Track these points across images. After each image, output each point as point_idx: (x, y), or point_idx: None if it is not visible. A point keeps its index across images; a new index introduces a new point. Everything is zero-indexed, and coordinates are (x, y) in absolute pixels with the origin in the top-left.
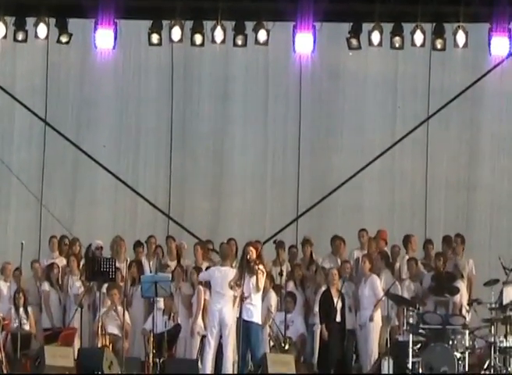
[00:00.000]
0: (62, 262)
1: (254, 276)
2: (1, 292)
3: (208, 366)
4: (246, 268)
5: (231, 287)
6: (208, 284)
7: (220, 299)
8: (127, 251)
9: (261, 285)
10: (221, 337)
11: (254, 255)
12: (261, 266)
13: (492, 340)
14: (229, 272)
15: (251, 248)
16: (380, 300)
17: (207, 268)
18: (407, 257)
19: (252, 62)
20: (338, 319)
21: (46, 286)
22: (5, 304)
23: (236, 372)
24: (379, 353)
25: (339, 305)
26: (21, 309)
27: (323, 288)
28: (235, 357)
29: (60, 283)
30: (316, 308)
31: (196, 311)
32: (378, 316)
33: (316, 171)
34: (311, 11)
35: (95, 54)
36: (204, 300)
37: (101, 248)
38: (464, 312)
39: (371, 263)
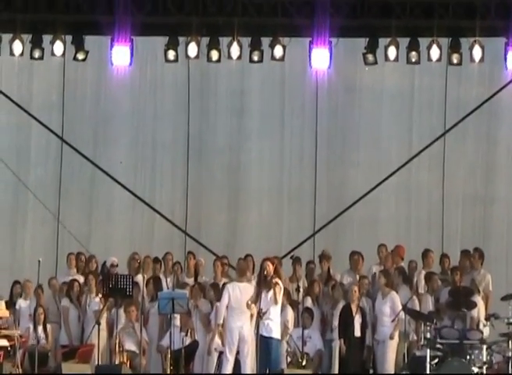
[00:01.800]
0: (79, 279)
1: (272, 291)
2: (20, 310)
3: None
4: (263, 283)
5: (248, 306)
6: None
7: (240, 316)
8: (144, 267)
9: (279, 298)
10: (238, 353)
11: (272, 270)
12: (278, 280)
13: (510, 354)
14: (247, 288)
15: (268, 263)
16: (399, 317)
17: (223, 284)
18: (423, 272)
19: (268, 77)
20: (357, 334)
21: (66, 302)
22: (24, 321)
23: None
24: (395, 369)
25: (358, 321)
26: (40, 327)
27: (341, 304)
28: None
29: (78, 300)
30: (335, 323)
31: (214, 328)
32: (397, 332)
33: (333, 185)
34: (327, 26)
35: (112, 71)
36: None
37: (117, 265)
38: (481, 326)
39: (386, 279)
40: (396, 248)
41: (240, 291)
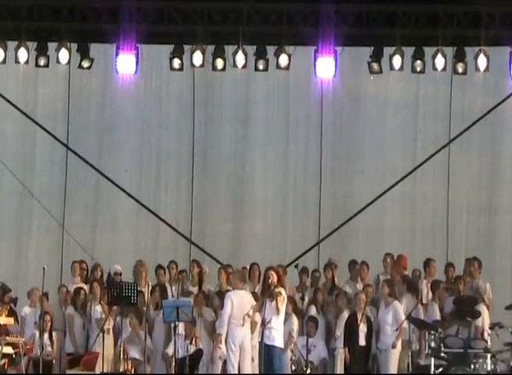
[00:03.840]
0: (83, 287)
1: (274, 300)
2: (26, 317)
3: None
4: (266, 292)
5: (248, 316)
6: None
7: (240, 324)
8: (149, 276)
9: (281, 308)
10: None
11: (275, 279)
12: (281, 289)
13: None
14: (248, 295)
15: (272, 272)
16: (402, 326)
17: (226, 291)
18: (425, 281)
19: (273, 85)
20: (362, 343)
21: (71, 310)
22: (29, 329)
23: None
24: None
25: (363, 330)
26: (46, 334)
27: (345, 313)
28: None
29: (83, 308)
30: (338, 332)
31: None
32: (398, 341)
33: (337, 194)
34: (332, 35)
35: (117, 79)
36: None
37: (120, 273)
38: (485, 335)
39: (389, 288)
40: (398, 257)
41: (242, 299)
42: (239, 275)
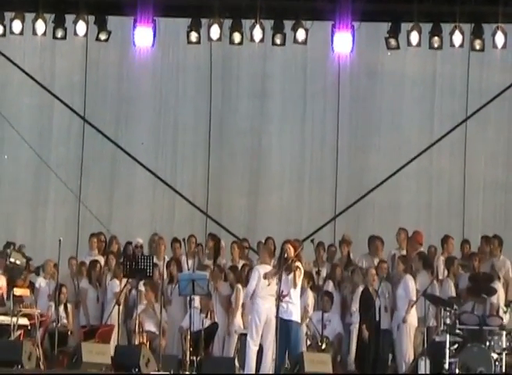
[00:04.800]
0: (100, 260)
1: (292, 274)
2: (40, 288)
3: (253, 364)
4: (283, 266)
5: (265, 278)
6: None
7: (268, 299)
8: (165, 249)
9: (299, 282)
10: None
11: (292, 253)
12: (298, 263)
13: None
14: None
15: (289, 246)
16: (415, 301)
17: (243, 265)
18: (442, 258)
19: (290, 60)
20: (378, 318)
21: (85, 284)
22: (43, 300)
23: (273, 370)
24: (414, 353)
25: (378, 304)
26: (61, 306)
27: (361, 288)
28: (273, 355)
29: (98, 280)
30: (353, 308)
31: (234, 310)
32: (412, 317)
33: (354, 170)
34: (349, 10)
35: (134, 52)
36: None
37: (141, 246)
38: (501, 312)
39: (405, 264)
40: (414, 234)
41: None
42: (268, 249)
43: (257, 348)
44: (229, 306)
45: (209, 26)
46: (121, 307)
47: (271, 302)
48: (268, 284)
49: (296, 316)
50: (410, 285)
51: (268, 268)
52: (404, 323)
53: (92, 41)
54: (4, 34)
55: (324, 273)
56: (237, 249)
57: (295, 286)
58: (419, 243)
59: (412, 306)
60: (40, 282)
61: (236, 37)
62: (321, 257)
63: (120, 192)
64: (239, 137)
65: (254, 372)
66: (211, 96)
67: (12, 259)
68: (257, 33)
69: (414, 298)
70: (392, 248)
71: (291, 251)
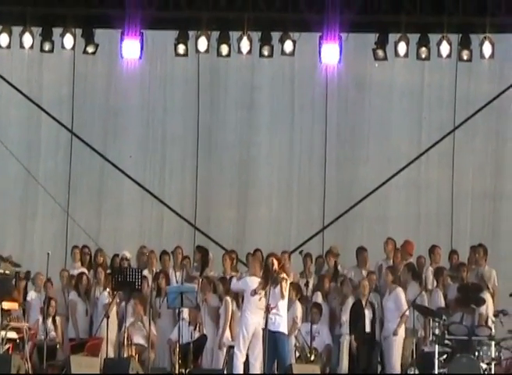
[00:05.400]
0: (85, 272)
1: (278, 285)
2: (31, 301)
3: None
4: (270, 279)
5: (253, 295)
6: (234, 294)
7: (257, 312)
8: (157, 262)
9: (286, 293)
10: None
11: (277, 266)
12: (283, 275)
13: None
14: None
15: (273, 259)
16: (404, 313)
17: (231, 277)
18: (431, 268)
19: (278, 72)
20: (368, 329)
21: (74, 296)
22: (34, 314)
23: None
24: (403, 365)
25: (369, 316)
26: (49, 319)
27: (350, 299)
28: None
29: (87, 293)
30: (343, 318)
31: (224, 322)
32: (401, 329)
33: (342, 181)
34: (337, 22)
35: (122, 64)
36: (232, 311)
37: (128, 259)
38: (489, 323)
39: (393, 275)
40: (404, 243)
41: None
42: (258, 261)
43: (243, 359)
44: (218, 318)
45: (197, 39)
46: (112, 320)
47: (260, 316)
48: (260, 299)
49: (283, 328)
50: (402, 298)
51: (256, 280)
52: (395, 336)
53: (79, 54)
54: None
55: (311, 284)
56: (229, 261)
57: (283, 297)
58: (409, 253)
59: (404, 320)
60: (32, 295)
61: (224, 49)
62: (309, 268)
63: (108, 205)
64: (227, 148)
65: None
66: (199, 108)
67: (1, 271)
68: (245, 45)
69: (407, 312)
70: (380, 259)
71: (275, 264)
